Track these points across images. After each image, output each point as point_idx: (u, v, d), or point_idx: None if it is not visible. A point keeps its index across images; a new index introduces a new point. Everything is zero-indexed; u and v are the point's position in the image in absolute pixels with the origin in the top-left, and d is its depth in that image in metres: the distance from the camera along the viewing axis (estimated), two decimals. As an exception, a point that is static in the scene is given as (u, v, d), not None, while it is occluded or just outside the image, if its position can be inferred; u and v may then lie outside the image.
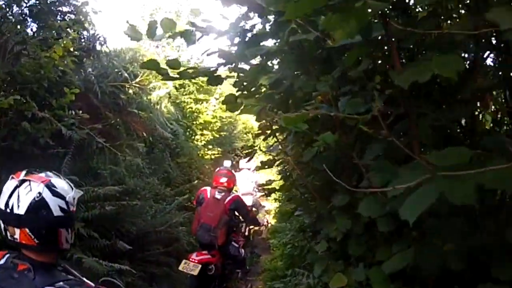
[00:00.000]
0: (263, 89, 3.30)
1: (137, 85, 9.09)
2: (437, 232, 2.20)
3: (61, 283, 1.94)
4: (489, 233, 2.14)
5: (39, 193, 1.98)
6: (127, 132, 8.76)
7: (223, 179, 6.87)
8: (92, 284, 2.08)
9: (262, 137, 3.99)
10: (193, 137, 13.08)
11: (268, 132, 3.77)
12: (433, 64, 1.53)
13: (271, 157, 4.28)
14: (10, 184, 2.02)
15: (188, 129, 12.85)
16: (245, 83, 3.34)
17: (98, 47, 8.01)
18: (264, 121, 3.76)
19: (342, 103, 2.29)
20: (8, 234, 1.98)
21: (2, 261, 2.06)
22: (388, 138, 1.63)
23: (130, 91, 8.94)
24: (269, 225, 11.08)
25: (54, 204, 2.01)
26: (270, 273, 7.88)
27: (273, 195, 11.94)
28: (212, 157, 13.83)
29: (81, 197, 5.23)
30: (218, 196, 6.60)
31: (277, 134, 3.78)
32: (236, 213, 6.83)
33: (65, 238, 2.09)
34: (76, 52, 6.50)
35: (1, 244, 3.90)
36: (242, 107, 2.59)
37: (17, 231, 1.95)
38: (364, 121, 1.77)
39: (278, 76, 2.90)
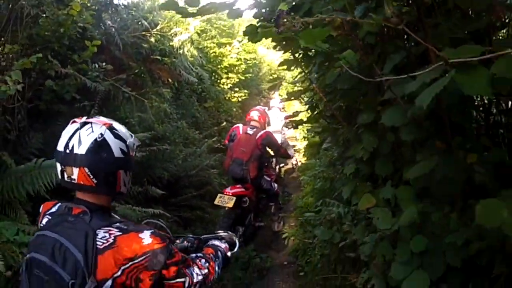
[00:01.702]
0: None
1: (159, 33, 9.08)
2: (460, 145, 2.21)
3: (117, 223, 2.03)
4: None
5: (101, 134, 2.04)
6: (152, 80, 8.82)
7: (255, 115, 7.24)
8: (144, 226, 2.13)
9: (286, 68, 3.96)
10: (218, 81, 13.05)
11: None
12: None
13: (297, 88, 4.26)
14: (70, 127, 2.08)
15: (213, 73, 12.80)
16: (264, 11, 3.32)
17: (115, 1, 8.00)
18: (287, 54, 3.74)
19: (358, 11, 2.26)
20: (66, 175, 2.03)
21: (54, 209, 2.21)
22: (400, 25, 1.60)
23: (152, 39, 8.92)
24: (299, 163, 11.21)
25: (115, 145, 2.08)
26: (301, 209, 7.96)
27: (301, 133, 11.98)
28: (239, 99, 13.80)
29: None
30: (250, 132, 6.90)
31: (301, 65, 3.75)
32: (268, 149, 7.07)
33: (123, 181, 2.16)
34: (94, 7, 6.49)
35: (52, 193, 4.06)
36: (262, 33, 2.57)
37: (76, 170, 2.00)
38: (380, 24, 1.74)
39: (297, 1, 2.88)
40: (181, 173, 7.89)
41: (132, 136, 2.24)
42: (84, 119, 2.11)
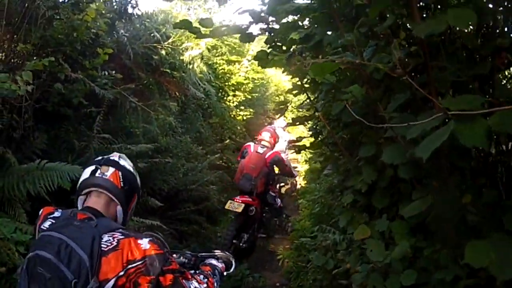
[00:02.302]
0: (294, 47, 3.34)
1: (170, 46, 9.13)
2: (456, 185, 2.27)
3: (120, 229, 2.17)
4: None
5: (133, 168, 2.49)
6: (160, 92, 8.86)
7: (267, 136, 7.87)
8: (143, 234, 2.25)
9: (294, 93, 4.03)
10: (225, 97, 13.06)
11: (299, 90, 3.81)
12: (448, 16, 1.58)
13: (302, 114, 4.33)
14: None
15: (220, 90, 12.83)
16: (276, 40, 3.39)
17: (130, 10, 8.01)
18: (295, 79, 3.81)
19: (367, 52, 2.34)
20: (99, 172, 2.33)
21: (57, 214, 2.31)
22: (403, 77, 1.67)
23: (163, 52, 8.97)
24: (299, 185, 11.34)
25: (138, 179, 2.50)
26: (298, 232, 8.00)
27: (303, 157, 12.02)
28: (244, 118, 13.80)
29: (114, 155, 5.37)
30: (260, 150, 7.56)
31: (308, 92, 3.82)
32: (275, 167, 7.67)
33: (133, 206, 2.50)
34: (108, 15, 6.55)
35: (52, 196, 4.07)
36: (273, 61, 2.64)
37: (112, 170, 2.35)
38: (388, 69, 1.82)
39: (308, 31, 2.96)
40: (181, 186, 7.90)
41: None
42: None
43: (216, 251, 3.01)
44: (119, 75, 6.59)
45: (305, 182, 11.21)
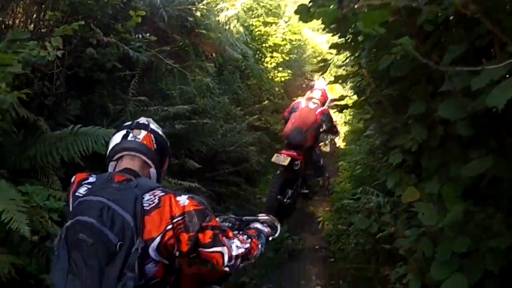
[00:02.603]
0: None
1: (205, 8, 8.94)
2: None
3: (160, 187, 2.19)
4: None
5: (162, 131, 2.50)
6: (196, 53, 8.73)
7: (318, 94, 8.03)
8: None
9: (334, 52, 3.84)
10: (262, 59, 12.89)
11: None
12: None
13: (344, 73, 4.15)
14: None
15: (258, 52, 12.65)
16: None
17: (162, -28, 7.88)
18: (334, 38, 3.62)
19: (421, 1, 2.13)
20: (131, 135, 2.33)
21: (92, 179, 2.29)
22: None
23: (198, 13, 8.80)
24: (338, 147, 11.24)
25: (167, 142, 2.51)
26: (338, 194, 7.92)
27: (342, 118, 11.86)
28: (282, 79, 13.65)
29: (151, 116, 5.33)
30: (311, 106, 7.69)
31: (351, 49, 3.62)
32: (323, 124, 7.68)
33: (165, 169, 2.53)
34: (139, -23, 6.43)
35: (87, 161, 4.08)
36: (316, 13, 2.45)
37: (144, 133, 2.35)
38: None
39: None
40: (219, 148, 7.83)
41: None
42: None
43: (260, 215, 2.95)
44: (153, 38, 6.51)
45: (345, 143, 11.10)
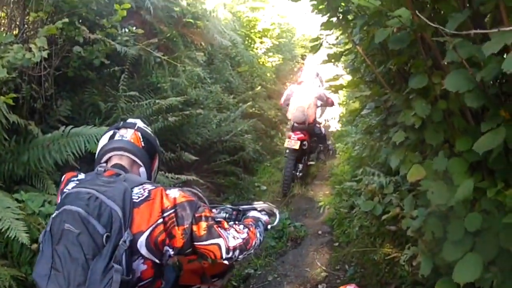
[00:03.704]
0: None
1: (191, -4, 8.83)
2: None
3: (150, 182, 2.18)
4: None
5: (152, 132, 2.47)
6: (185, 43, 8.62)
7: (310, 76, 9.08)
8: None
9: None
10: (252, 45, 12.81)
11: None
12: None
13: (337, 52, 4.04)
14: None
15: (247, 38, 12.56)
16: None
17: (145, -36, 7.75)
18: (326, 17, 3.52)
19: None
20: (117, 135, 2.29)
21: (81, 176, 2.28)
22: None
23: (184, 2, 8.65)
24: (334, 129, 11.57)
25: (156, 140, 2.48)
26: (337, 177, 7.87)
27: (338, 99, 11.84)
28: (273, 64, 13.59)
29: (143, 111, 5.29)
30: (308, 87, 8.71)
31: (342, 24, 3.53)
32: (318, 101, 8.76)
33: (156, 166, 2.46)
34: (122, -31, 6.31)
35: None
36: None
37: (131, 131, 2.32)
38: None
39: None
40: (214, 138, 7.84)
41: None
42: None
43: (256, 202, 2.89)
44: (141, 31, 6.40)
45: (340, 125, 11.09)
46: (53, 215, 1.99)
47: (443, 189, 2.35)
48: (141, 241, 1.96)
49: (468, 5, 2.06)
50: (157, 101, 6.14)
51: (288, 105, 8.66)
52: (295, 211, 7.45)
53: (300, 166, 8.62)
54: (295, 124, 8.44)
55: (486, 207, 2.27)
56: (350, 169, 7.46)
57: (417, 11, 2.17)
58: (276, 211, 2.88)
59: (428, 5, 2.45)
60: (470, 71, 1.81)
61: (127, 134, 2.28)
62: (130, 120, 2.44)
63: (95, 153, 2.35)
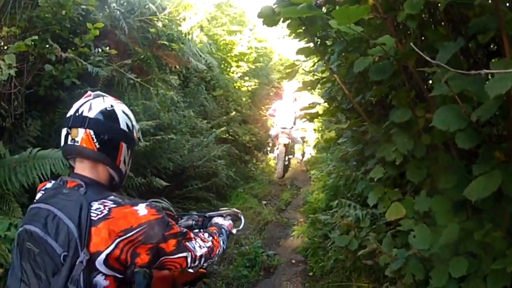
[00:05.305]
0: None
1: (166, 18, 8.76)
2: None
3: (112, 197, 1.98)
4: None
5: (111, 105, 2.09)
6: (159, 66, 8.56)
7: (290, 98, 11.96)
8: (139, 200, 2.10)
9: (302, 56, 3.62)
10: (228, 69, 12.84)
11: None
12: None
13: (313, 79, 3.93)
14: (83, 98, 2.11)
15: (223, 61, 12.59)
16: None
17: (121, -17, 7.69)
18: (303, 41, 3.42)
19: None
20: (69, 138, 2.04)
21: (49, 185, 2.15)
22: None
23: (159, 24, 8.60)
24: (309, 156, 12.15)
25: (122, 119, 2.11)
26: (311, 206, 7.75)
27: (313, 126, 12.06)
28: (249, 88, 13.58)
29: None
30: (290, 101, 11.82)
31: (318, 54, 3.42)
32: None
33: (123, 156, 2.16)
34: (98, -12, 6.20)
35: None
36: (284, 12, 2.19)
37: (82, 132, 2.01)
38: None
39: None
40: (186, 163, 7.71)
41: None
42: (97, 92, 2.15)
43: (222, 208, 2.97)
44: (114, 51, 6.29)
45: (316, 151, 11.26)
46: (18, 231, 1.95)
47: (426, 233, 2.21)
48: (99, 260, 1.85)
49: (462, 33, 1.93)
50: (128, 125, 5.94)
51: (274, 116, 11.80)
52: (268, 239, 7.30)
53: (287, 158, 11.61)
54: (281, 128, 11.35)
55: (473, 250, 2.13)
56: (325, 197, 7.36)
57: (401, 39, 2.04)
58: (241, 216, 2.95)
59: (413, 32, 2.32)
60: (463, 108, 1.66)
61: (78, 137, 2.02)
62: (81, 109, 2.05)
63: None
